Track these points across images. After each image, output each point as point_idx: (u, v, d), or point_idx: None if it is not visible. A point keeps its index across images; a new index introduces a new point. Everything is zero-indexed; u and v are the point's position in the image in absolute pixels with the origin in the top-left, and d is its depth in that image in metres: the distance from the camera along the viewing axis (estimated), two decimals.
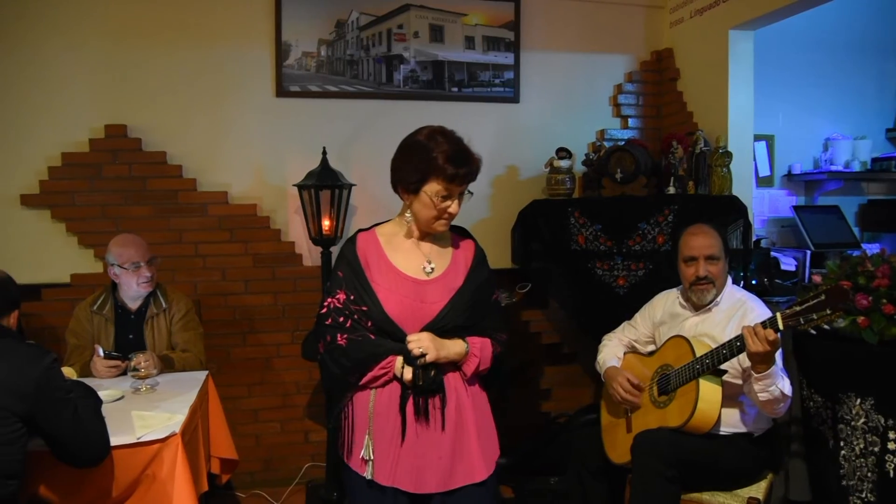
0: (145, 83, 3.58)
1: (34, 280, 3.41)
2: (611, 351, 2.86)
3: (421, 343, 1.90)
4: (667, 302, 2.82)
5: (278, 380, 3.77)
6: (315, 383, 3.79)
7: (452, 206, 1.95)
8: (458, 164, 1.91)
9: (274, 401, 3.78)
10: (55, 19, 3.48)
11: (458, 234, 2.14)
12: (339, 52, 3.78)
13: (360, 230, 2.09)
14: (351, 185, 3.50)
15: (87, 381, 2.47)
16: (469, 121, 3.69)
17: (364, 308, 1.93)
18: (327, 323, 1.96)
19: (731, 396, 2.49)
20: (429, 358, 1.89)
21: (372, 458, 1.93)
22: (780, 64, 4.31)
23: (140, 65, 3.57)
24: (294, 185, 3.49)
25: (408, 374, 1.90)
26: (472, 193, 2.02)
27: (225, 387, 3.10)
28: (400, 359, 1.92)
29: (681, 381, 2.47)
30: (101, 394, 2.27)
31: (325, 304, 1.98)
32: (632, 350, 2.87)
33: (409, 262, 2.01)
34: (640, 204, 3.52)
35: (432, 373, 1.92)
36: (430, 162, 1.91)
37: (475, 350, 2.01)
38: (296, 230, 3.74)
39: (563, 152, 3.79)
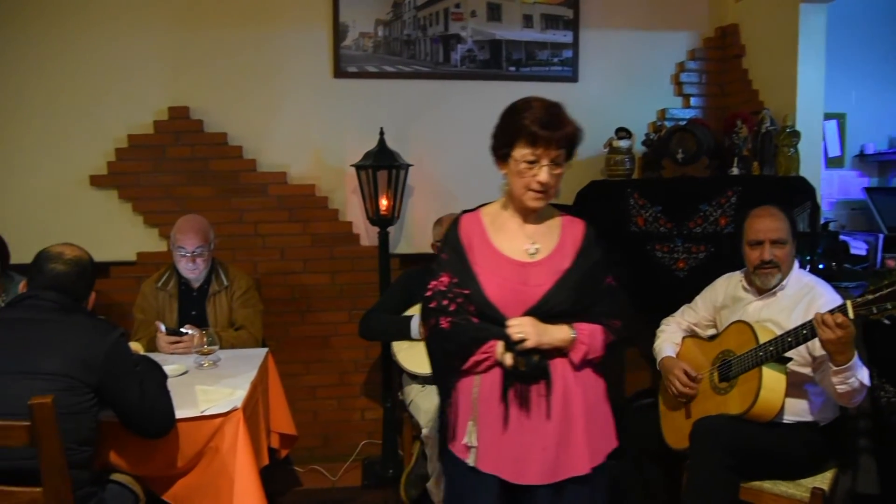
0: (207, 65, 3.65)
1: (103, 258, 3.50)
2: (668, 337, 2.80)
3: (521, 328, 1.81)
4: (729, 285, 2.75)
5: (335, 358, 3.82)
6: (371, 362, 3.83)
7: (541, 174, 1.82)
8: (544, 125, 1.79)
9: (331, 378, 3.84)
10: (122, 4, 3.57)
11: (566, 214, 2.03)
12: (395, 33, 3.78)
13: (465, 211, 2.04)
14: (408, 166, 3.51)
15: (153, 355, 2.55)
16: None
17: (466, 292, 1.88)
18: (431, 306, 1.92)
19: (797, 384, 2.42)
20: (528, 343, 1.80)
21: (475, 444, 1.87)
22: (854, 38, 4.13)
23: (202, 48, 3.64)
24: (352, 166, 3.52)
25: (509, 359, 1.82)
26: (569, 164, 1.89)
27: (284, 364, 3.17)
28: (501, 343, 1.84)
29: (743, 367, 2.40)
30: (166, 368, 2.34)
31: (430, 286, 1.94)
32: (691, 334, 2.82)
33: (512, 244, 1.93)
34: (702, 185, 3.43)
35: (535, 359, 1.82)
36: (517, 123, 1.82)
37: (583, 337, 1.88)
38: (353, 210, 3.78)
39: (623, 132, 3.71)
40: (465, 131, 3.76)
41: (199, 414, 2.23)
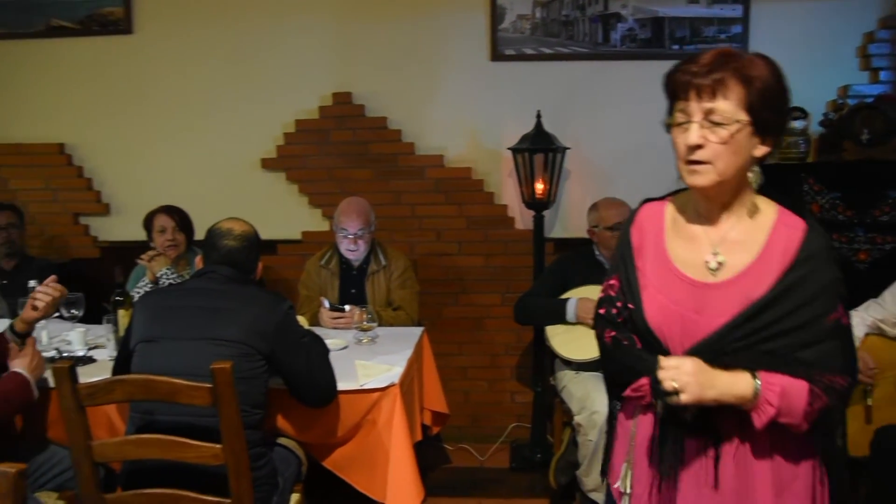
0: (369, 52, 3.77)
1: (271, 236, 3.73)
2: None
3: (678, 374, 1.31)
4: None
5: (488, 340, 3.85)
6: (523, 346, 3.83)
7: (690, 134, 1.32)
8: (693, 61, 1.35)
9: (483, 360, 3.87)
10: (291, 1, 3.76)
11: (784, 210, 1.41)
12: (553, 13, 3.71)
13: (648, 200, 1.57)
14: (565, 149, 3.46)
15: (316, 329, 2.67)
16: None
17: (630, 306, 1.46)
18: (600, 312, 1.54)
19: None
20: (684, 399, 1.31)
21: (628, 492, 1.51)
22: None
23: (365, 35, 3.76)
24: (508, 149, 3.51)
25: (659, 407, 1.41)
26: (737, 122, 1.31)
27: (437, 344, 3.23)
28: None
29: None
30: (328, 342, 2.44)
31: (604, 286, 1.56)
32: (877, 332, 2.57)
33: (690, 254, 1.43)
34: (892, 169, 3.12)
35: (687, 416, 1.37)
36: (671, 75, 1.40)
37: (771, 396, 1.31)
38: (508, 193, 3.77)
39: (798, 112, 3.44)
40: (625, 113, 3.64)
41: (358, 387, 2.32)
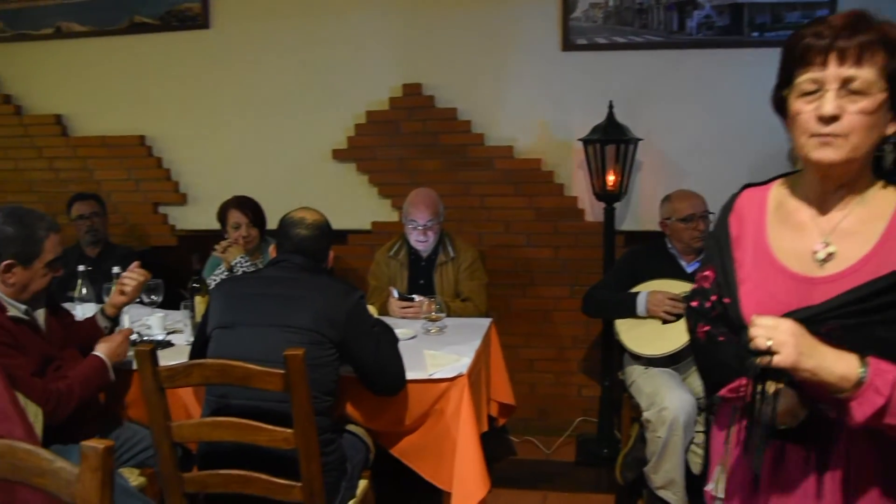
0: (439, 43, 3.77)
1: (341, 226, 3.75)
2: None
3: (775, 333, 1.13)
4: None
5: (555, 332, 3.82)
6: (591, 339, 3.78)
7: (826, 103, 1.17)
8: (825, 23, 1.20)
9: (549, 353, 3.85)
10: None
11: None
12: (627, 2, 3.63)
13: (749, 185, 1.43)
14: (637, 140, 3.39)
15: (385, 319, 2.70)
16: (772, 69, 3.34)
17: (726, 301, 1.34)
18: (692, 305, 1.44)
19: None
20: (778, 361, 1.13)
21: (720, 496, 1.38)
22: None
23: (435, 26, 3.76)
24: (579, 140, 3.46)
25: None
26: (881, 92, 1.17)
27: (504, 335, 3.22)
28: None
29: None
30: (397, 332, 2.46)
31: (697, 277, 1.45)
32: None
33: (795, 244, 1.30)
34: None
35: (772, 390, 1.20)
36: (793, 43, 1.25)
37: (881, 383, 1.13)
38: (579, 185, 3.72)
39: None
40: (701, 103, 3.54)
41: (426, 377, 2.33)
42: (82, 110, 4.27)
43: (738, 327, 1.28)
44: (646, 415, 2.78)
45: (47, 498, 1.82)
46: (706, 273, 1.42)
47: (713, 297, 1.38)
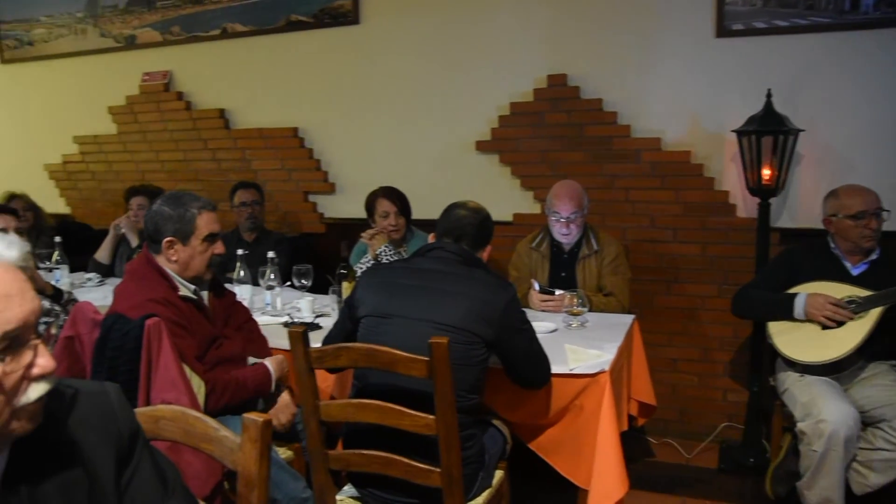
0: (585, 32, 3.70)
1: None
2: None
3: None
4: None
5: (700, 332, 3.66)
6: (740, 341, 3.59)
7: None
8: None
9: (694, 353, 3.69)
10: None
11: None
12: None
13: None
14: (798, 131, 3.17)
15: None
16: None
17: None
18: None
19: None
20: None
21: None
22: None
23: (580, 13, 3.69)
24: (732, 131, 3.28)
25: None
26: None
27: (646, 333, 3.11)
28: None
29: None
30: (536, 325, 2.45)
31: None
32: None
33: None
34: None
35: None
36: None
37: None
38: (730, 179, 3.53)
39: None
40: (872, 90, 3.26)
41: (567, 371, 2.31)
42: (242, 104, 4.56)
43: None
44: (800, 426, 2.61)
45: (208, 463, 1.97)
46: None
47: None
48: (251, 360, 2.46)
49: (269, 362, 2.40)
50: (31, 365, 0.97)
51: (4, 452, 1.00)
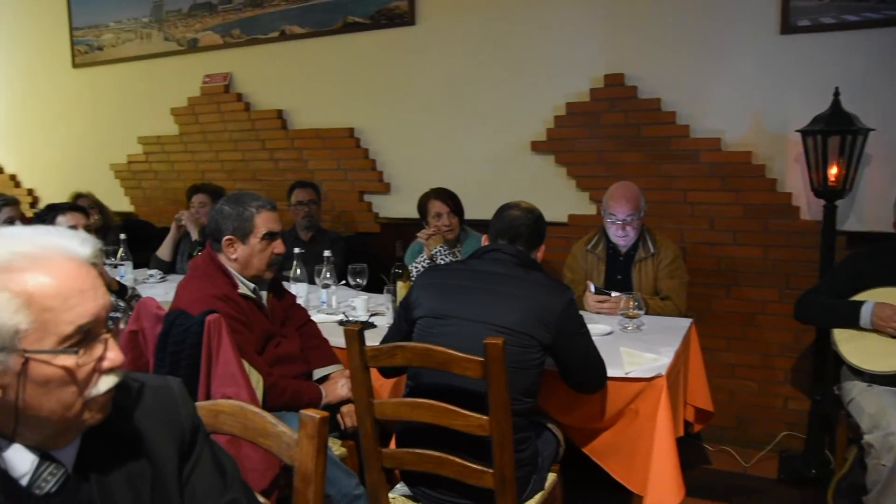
0: (643, 31, 3.64)
1: None
2: None
3: None
4: None
5: (760, 337, 3.57)
6: (802, 347, 3.48)
7: None
8: None
9: (753, 359, 3.60)
10: None
11: None
12: None
13: None
14: (868, 130, 3.06)
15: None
16: None
17: None
18: None
19: None
20: None
21: None
22: None
23: (637, 11, 3.64)
24: (796, 131, 3.19)
25: None
26: None
27: (704, 337, 3.05)
28: None
29: None
30: (592, 327, 2.41)
31: None
32: None
33: None
34: None
35: None
36: None
37: None
38: (794, 180, 3.43)
39: None
40: None
41: (623, 375, 2.28)
42: (300, 105, 4.63)
43: None
44: (867, 438, 2.51)
45: (266, 457, 2.00)
46: None
47: None
48: (317, 372, 2.51)
49: (325, 388, 2.45)
50: (101, 358, 1.00)
51: (76, 442, 1.03)
